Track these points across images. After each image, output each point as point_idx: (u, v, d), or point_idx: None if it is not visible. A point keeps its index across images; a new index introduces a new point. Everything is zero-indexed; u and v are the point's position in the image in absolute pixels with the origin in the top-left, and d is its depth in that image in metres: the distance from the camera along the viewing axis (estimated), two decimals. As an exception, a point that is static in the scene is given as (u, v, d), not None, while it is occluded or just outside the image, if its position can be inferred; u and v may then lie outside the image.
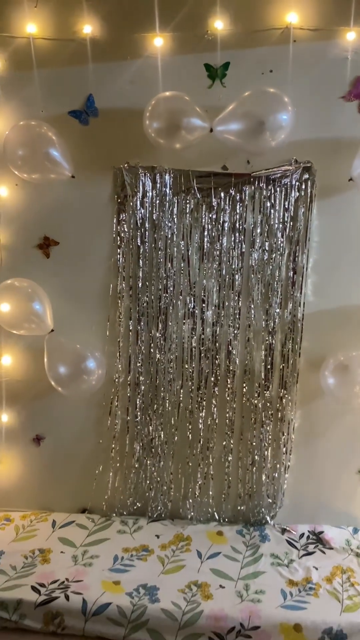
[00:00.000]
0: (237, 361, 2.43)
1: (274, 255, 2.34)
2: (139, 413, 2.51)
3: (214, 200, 2.33)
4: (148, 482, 2.54)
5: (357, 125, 2.23)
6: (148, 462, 2.52)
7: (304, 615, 1.93)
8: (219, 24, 2.22)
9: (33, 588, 2.04)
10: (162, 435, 2.50)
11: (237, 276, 2.38)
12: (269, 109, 2.08)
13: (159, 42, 2.25)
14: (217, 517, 2.53)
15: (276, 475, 2.47)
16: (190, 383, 2.46)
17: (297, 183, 2.29)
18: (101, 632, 1.95)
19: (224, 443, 2.49)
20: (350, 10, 2.15)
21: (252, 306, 2.38)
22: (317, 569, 2.18)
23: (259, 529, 2.45)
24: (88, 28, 2.27)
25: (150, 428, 2.50)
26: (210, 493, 2.52)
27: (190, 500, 2.53)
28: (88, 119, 2.33)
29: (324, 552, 2.31)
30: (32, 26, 2.28)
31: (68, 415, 2.57)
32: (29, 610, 1.98)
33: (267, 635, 1.89)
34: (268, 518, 2.49)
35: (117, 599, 1.98)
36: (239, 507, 2.52)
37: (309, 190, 2.29)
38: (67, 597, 1.99)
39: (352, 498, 2.49)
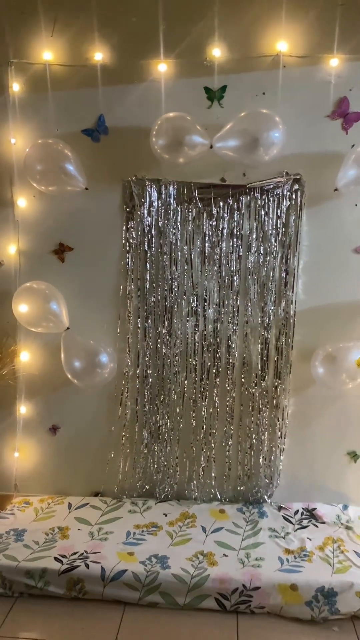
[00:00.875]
0: (236, 354, 2.61)
1: (268, 258, 2.52)
2: (147, 403, 2.69)
3: (213, 209, 2.51)
4: (156, 466, 2.72)
5: (341, 141, 2.42)
6: (155, 447, 2.71)
7: (299, 577, 2.14)
8: (217, 52, 2.40)
9: (55, 559, 2.24)
10: (168, 423, 2.69)
11: (235, 277, 2.55)
12: (263, 127, 2.26)
13: (163, 67, 2.43)
14: (219, 497, 2.72)
15: (272, 457, 2.66)
16: (193, 375, 2.64)
17: (288, 193, 2.47)
18: (119, 595, 2.16)
19: (225, 429, 2.67)
20: (334, 39, 2.35)
21: (249, 304, 2.56)
22: (310, 539, 2.40)
23: (258, 507, 2.66)
24: (99, 55, 2.44)
25: (158, 417, 2.68)
26: (213, 475, 2.71)
27: (195, 482, 2.71)
28: (99, 136, 2.50)
29: (316, 526, 2.52)
30: (48, 53, 2.46)
31: (82, 406, 2.73)
32: (52, 578, 2.18)
33: (266, 594, 2.11)
34: (266, 497, 2.69)
35: (132, 566, 2.19)
36: (239, 488, 2.71)
37: (299, 200, 2.47)
38: (87, 566, 2.19)
39: (342, 477, 2.68)
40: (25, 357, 2.72)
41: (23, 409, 2.77)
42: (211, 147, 2.32)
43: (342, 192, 2.40)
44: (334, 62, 2.39)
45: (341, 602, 2.08)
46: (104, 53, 2.46)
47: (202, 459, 2.70)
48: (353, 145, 2.40)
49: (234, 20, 2.39)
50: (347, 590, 2.09)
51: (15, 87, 2.51)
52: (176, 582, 2.14)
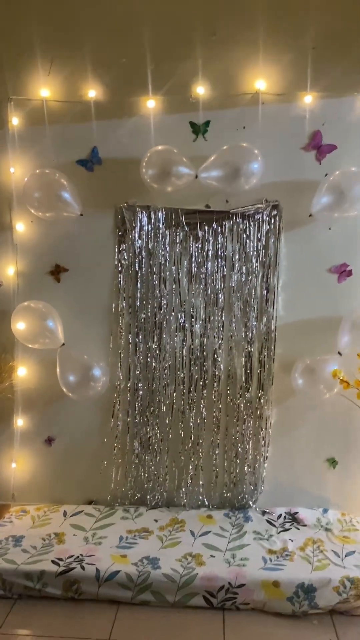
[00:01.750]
0: (222, 367, 2.78)
1: (250, 277, 2.71)
2: (137, 415, 2.84)
3: (199, 232, 2.70)
4: (146, 475, 2.86)
5: (315, 171, 2.63)
6: (146, 457, 2.85)
7: (281, 574, 2.29)
8: (201, 89, 2.62)
9: (53, 562, 2.37)
10: (158, 434, 2.84)
11: (220, 295, 2.73)
12: (243, 159, 2.48)
13: (151, 104, 2.64)
14: (206, 503, 2.87)
15: (257, 465, 2.83)
16: (182, 387, 2.81)
17: (267, 218, 2.67)
18: (113, 595, 2.29)
19: (212, 438, 2.83)
20: (307, 78, 2.58)
21: (233, 320, 2.74)
22: (292, 541, 2.55)
23: (243, 512, 2.81)
24: (92, 92, 2.65)
25: (148, 427, 2.84)
26: (201, 482, 2.86)
27: (184, 489, 2.86)
28: (93, 166, 2.70)
29: (298, 529, 2.67)
30: (45, 90, 2.66)
31: (76, 418, 2.87)
32: (50, 580, 2.31)
33: (251, 591, 2.26)
34: (250, 502, 2.85)
35: (125, 567, 2.33)
36: (225, 494, 2.87)
37: (277, 224, 2.67)
38: (82, 568, 2.33)
39: (322, 483, 2.84)
40: (23, 372, 2.87)
41: (20, 422, 2.91)
42: (196, 177, 2.52)
43: (317, 218, 2.61)
44: (308, 99, 2.61)
45: (320, 597, 2.23)
46: (97, 90, 2.67)
47: (191, 467, 2.85)
48: (326, 175, 2.60)
49: (217, 61, 2.61)
50: (326, 586, 2.24)
51: (15, 121, 2.70)
52: (166, 581, 2.28)
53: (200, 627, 2.18)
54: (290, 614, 2.24)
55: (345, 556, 2.43)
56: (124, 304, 2.79)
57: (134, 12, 2.59)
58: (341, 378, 2.49)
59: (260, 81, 2.61)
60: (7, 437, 2.92)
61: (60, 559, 2.40)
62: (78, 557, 2.41)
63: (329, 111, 2.62)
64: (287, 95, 2.62)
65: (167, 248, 2.74)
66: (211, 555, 2.44)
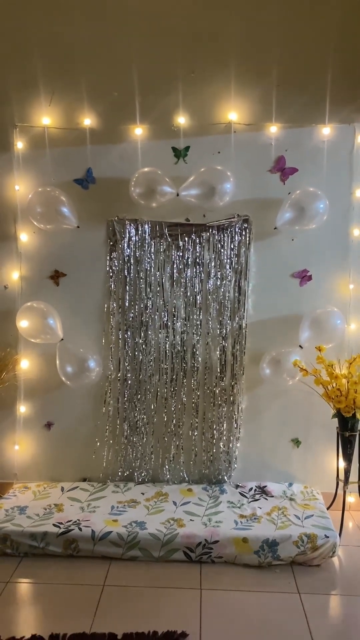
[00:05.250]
0: (200, 359, 3.13)
1: (224, 282, 3.08)
2: (126, 401, 3.19)
3: (180, 242, 3.06)
4: (134, 454, 3.21)
5: (279, 190, 3.00)
6: (134, 439, 3.21)
7: (250, 532, 2.67)
8: (182, 119, 2.99)
9: (54, 525, 2.72)
10: (144, 418, 3.19)
11: (198, 297, 3.09)
12: (218, 180, 2.86)
13: (139, 131, 3.00)
14: (187, 479, 3.23)
15: (230, 445, 3.19)
16: (165, 377, 3.16)
17: (239, 230, 3.04)
18: (106, 552, 2.66)
19: (191, 422, 3.18)
20: (272, 111, 2.97)
21: (210, 319, 3.10)
22: (260, 508, 2.93)
23: (219, 486, 3.17)
24: (88, 121, 3.00)
25: (135, 412, 3.19)
26: (182, 460, 3.21)
27: (167, 467, 3.21)
28: (88, 185, 3.05)
29: (266, 499, 3.04)
30: (46, 119, 3.02)
31: (72, 405, 3.20)
32: (52, 539, 2.66)
33: (224, 546, 2.64)
34: (225, 478, 3.22)
35: (116, 529, 2.69)
36: (203, 471, 3.22)
37: (247, 235, 3.03)
38: (80, 529, 2.69)
39: (288, 460, 3.21)
40: (25, 364, 3.21)
41: (22, 408, 3.25)
42: (178, 194, 2.89)
43: (281, 230, 3.00)
44: (273, 129, 3.00)
45: (282, 550, 2.62)
46: (92, 119, 3.03)
47: (173, 447, 3.21)
48: (289, 193, 2.97)
49: (195, 95, 2.99)
50: (286, 541, 2.62)
51: (20, 145, 3.07)
52: (152, 539, 2.66)
53: (181, 577, 2.56)
54: (257, 565, 2.63)
55: (305, 519, 2.82)
56: (115, 305, 3.14)
57: (124, 52, 2.96)
58: (301, 367, 2.90)
59: (233, 113, 2.99)
60: (10, 422, 3.26)
61: (61, 523, 2.76)
62: (76, 521, 2.78)
63: (291, 139, 3.00)
64: (256, 126, 3.00)
65: (152, 256, 3.10)
66: (190, 520, 2.81)
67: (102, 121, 3.04)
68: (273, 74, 2.96)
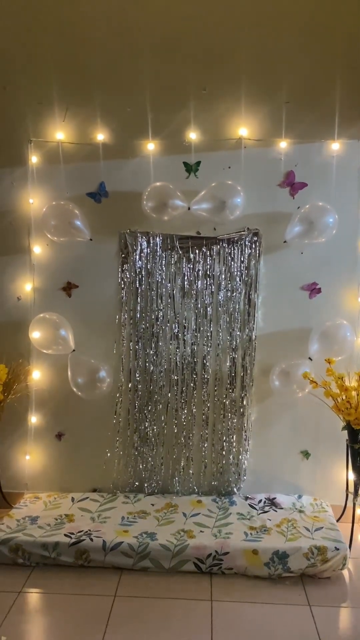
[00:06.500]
0: (210, 371, 3.16)
1: (234, 294, 3.11)
2: (137, 412, 3.22)
3: (191, 255, 3.11)
4: (144, 465, 3.24)
5: (288, 204, 3.04)
6: (144, 450, 3.23)
7: (260, 544, 2.68)
8: (193, 135, 3.03)
9: (65, 535, 2.74)
10: (154, 429, 3.22)
11: (208, 309, 3.12)
12: (228, 194, 2.89)
13: (151, 146, 3.04)
14: (197, 490, 3.25)
15: (240, 457, 3.21)
16: (175, 388, 3.19)
17: (249, 243, 3.08)
18: (117, 562, 2.67)
19: (201, 433, 3.21)
20: (282, 128, 3.02)
21: (220, 330, 3.14)
22: (270, 520, 2.94)
23: (229, 498, 3.19)
24: (101, 136, 3.06)
25: (146, 423, 3.22)
26: (191, 472, 3.23)
27: (177, 478, 3.23)
28: (101, 199, 3.10)
29: (276, 511, 3.06)
30: (60, 134, 3.08)
31: (82, 416, 3.23)
32: (64, 550, 2.68)
33: (234, 557, 2.65)
34: (235, 489, 3.23)
35: (127, 539, 2.71)
36: (213, 482, 3.23)
37: (257, 249, 3.07)
38: (91, 539, 2.71)
39: (297, 472, 3.22)
40: (37, 375, 3.25)
41: (34, 419, 3.29)
42: (189, 208, 2.94)
43: (290, 243, 3.04)
44: (283, 144, 3.04)
45: (292, 562, 2.63)
46: (105, 134, 3.08)
47: (183, 459, 3.22)
48: (298, 207, 3.01)
49: (206, 112, 3.04)
50: (296, 553, 2.64)
51: (34, 159, 3.13)
52: (163, 550, 2.67)
53: (192, 588, 2.57)
54: (267, 577, 2.64)
55: (315, 531, 2.83)
56: (126, 316, 3.18)
57: (137, 69, 3.02)
58: (311, 379, 2.92)
59: (243, 129, 3.03)
60: (22, 432, 3.29)
61: (72, 533, 2.78)
62: (87, 531, 2.79)
63: (301, 154, 3.05)
64: (266, 141, 3.05)
65: (164, 268, 3.14)
66: (200, 531, 2.83)
67: (115, 136, 3.10)
68: (283, 91, 3.01)
